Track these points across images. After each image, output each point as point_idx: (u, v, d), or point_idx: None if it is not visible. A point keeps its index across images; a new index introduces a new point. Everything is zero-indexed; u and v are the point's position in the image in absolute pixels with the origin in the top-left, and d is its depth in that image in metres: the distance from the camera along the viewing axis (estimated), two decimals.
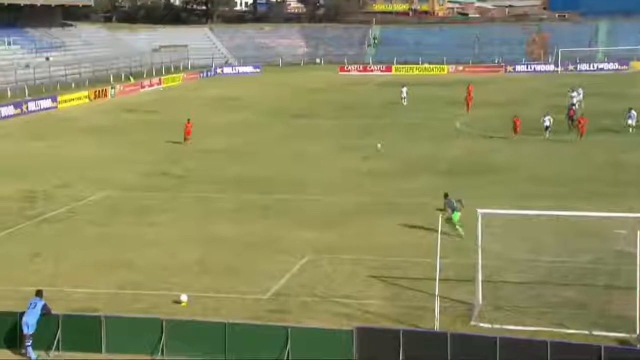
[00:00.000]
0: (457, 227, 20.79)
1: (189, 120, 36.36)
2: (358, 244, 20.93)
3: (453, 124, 42.24)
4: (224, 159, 34.05)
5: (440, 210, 21.61)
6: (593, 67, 72.12)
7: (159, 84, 63.99)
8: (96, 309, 16.16)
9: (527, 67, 73.35)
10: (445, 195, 22.01)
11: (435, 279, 15.45)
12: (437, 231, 16.14)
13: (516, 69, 73.22)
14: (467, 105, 45.50)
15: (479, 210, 16.11)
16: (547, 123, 36.57)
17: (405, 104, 49.43)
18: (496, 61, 76.15)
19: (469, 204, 24.42)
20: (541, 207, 22.53)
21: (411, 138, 38.13)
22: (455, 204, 21.36)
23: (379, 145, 31.74)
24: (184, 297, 16.48)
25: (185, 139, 35.70)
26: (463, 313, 15.91)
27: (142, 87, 61.60)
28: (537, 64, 73.92)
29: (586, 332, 14.77)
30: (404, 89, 50.15)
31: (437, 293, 15.21)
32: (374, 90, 59.97)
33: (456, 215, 21.15)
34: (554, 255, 18.61)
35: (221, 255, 20.06)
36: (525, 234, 19.30)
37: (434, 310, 15.20)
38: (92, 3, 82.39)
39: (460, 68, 73.82)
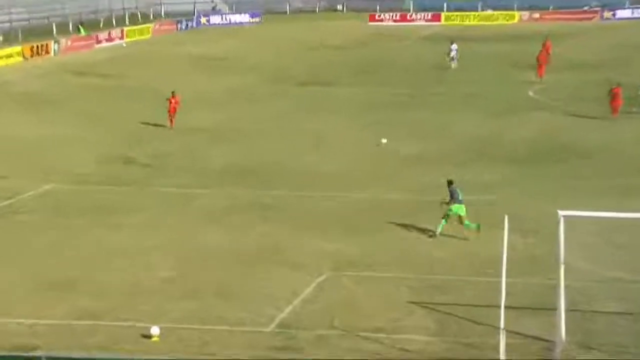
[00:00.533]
0: (467, 224, 21.79)
1: (174, 94, 35.52)
2: (392, 256, 21.04)
3: (524, 93, 42.17)
4: (209, 140, 34.31)
5: (445, 202, 22.04)
6: None
7: (121, 38, 64.27)
8: (36, 346, 16.17)
9: (632, 13, 71.80)
10: (450, 183, 22.42)
11: (500, 306, 15.46)
12: (501, 239, 16.10)
13: (616, 15, 71.71)
14: (541, 67, 45.06)
15: (560, 212, 15.96)
16: None
17: (454, 66, 49.26)
18: (589, 5, 75.00)
19: (545, 202, 24.59)
20: None
21: (465, 112, 38.30)
22: (460, 195, 21.96)
23: (383, 141, 31.50)
24: (155, 330, 16.55)
25: (170, 120, 35.21)
26: (538, 353, 15.90)
27: (98, 41, 61.90)
28: None
29: None
30: (454, 47, 49.95)
31: (502, 325, 15.15)
32: (415, 47, 59.98)
33: (461, 209, 21.80)
34: None
35: (207, 271, 20.19)
36: (625, 245, 19.23)
37: (497, 348, 15.18)
38: None
39: (537, 15, 72.34)
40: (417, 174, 28.70)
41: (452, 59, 49.59)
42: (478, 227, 21.98)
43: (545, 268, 19.61)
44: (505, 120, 36.44)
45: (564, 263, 15.96)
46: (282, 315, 17.63)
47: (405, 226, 23.18)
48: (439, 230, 21.95)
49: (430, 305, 17.97)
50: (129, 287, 19.21)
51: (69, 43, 58.62)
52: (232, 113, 39.00)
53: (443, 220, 21.97)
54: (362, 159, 31.01)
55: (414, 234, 22.62)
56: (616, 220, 17.90)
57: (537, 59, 45.68)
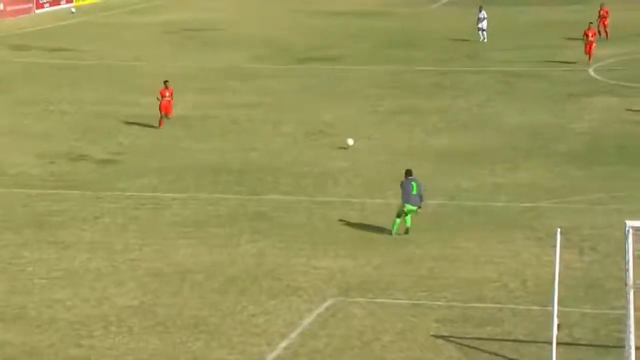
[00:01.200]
0: (397, 221, 23.54)
1: (166, 84, 34.26)
2: (416, 278, 21.12)
3: (583, 73, 42.24)
4: (186, 133, 34.44)
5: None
6: None
7: (69, 0, 64.44)
8: None
9: None
10: (408, 173, 24.04)
11: (552, 342, 15.52)
12: (553, 256, 16.15)
13: None
14: (590, 45, 43.24)
15: (629, 223, 16.12)
16: None
17: (482, 39, 49.03)
18: None
19: (610, 211, 24.62)
20: None
21: (508, 97, 38.42)
22: (415, 189, 23.48)
23: (349, 142, 31.44)
24: None
25: (164, 116, 33.89)
26: None
27: (39, 5, 62.09)
28: None
29: None
30: (482, 14, 49.45)
31: None
32: (442, 13, 60.00)
33: (408, 208, 23.47)
34: None
35: (179, 299, 20.29)
36: None
37: None
38: None
39: None
40: (452, 174, 28.82)
41: (481, 29, 49.28)
42: (407, 231, 23.50)
43: (609, 294, 19.69)
44: (560, 108, 36.56)
45: (635, 287, 16.00)
46: (276, 353, 17.74)
47: (433, 240, 23.26)
48: (395, 230, 23.38)
49: (463, 341, 18.03)
50: (77, 318, 19.32)
51: (2, 7, 58.55)
52: (215, 98, 39.12)
53: (397, 220, 23.50)
54: (381, 156, 31.11)
55: (445, 249, 22.71)
56: None
57: (585, 34, 43.97)
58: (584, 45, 43.52)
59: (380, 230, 24.04)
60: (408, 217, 23.65)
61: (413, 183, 23.67)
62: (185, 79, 42.40)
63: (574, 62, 43.86)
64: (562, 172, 28.85)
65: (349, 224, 24.67)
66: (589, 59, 43.04)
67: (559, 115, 35.49)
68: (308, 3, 63.56)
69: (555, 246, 16.03)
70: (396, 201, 25.81)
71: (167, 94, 33.75)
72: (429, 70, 43.68)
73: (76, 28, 56.54)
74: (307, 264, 21.99)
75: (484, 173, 28.98)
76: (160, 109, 33.71)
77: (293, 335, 18.41)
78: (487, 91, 39.45)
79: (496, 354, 17.49)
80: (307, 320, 19.06)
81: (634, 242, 15.95)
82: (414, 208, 23.62)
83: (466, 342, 17.97)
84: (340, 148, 31.85)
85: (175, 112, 35.24)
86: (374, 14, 60.61)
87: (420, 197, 23.71)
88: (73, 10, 61.92)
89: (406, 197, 23.54)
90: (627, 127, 33.71)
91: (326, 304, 19.78)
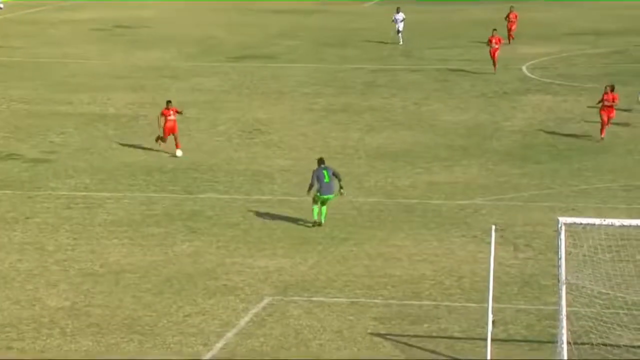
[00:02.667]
0: (315, 208, 23.98)
1: (169, 104, 30.65)
2: (353, 276, 21.19)
3: (516, 71, 42.82)
4: (117, 130, 34.14)
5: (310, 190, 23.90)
6: None
7: None
8: None
9: None
10: (319, 162, 24.40)
11: (487, 339, 15.70)
12: (488, 254, 16.36)
13: None
14: (495, 51, 41.93)
15: (561, 219, 16.35)
16: None
17: (400, 42, 48.70)
18: None
19: (543, 208, 25.03)
20: None
21: (443, 95, 38.73)
22: (327, 177, 23.76)
23: (178, 153, 29.94)
24: None
25: (161, 138, 30.40)
26: None
27: None
28: None
29: None
30: (400, 16, 48.83)
31: None
32: (376, 11, 60.32)
33: (324, 199, 23.92)
34: None
35: (113, 300, 20.14)
36: None
37: None
38: None
39: None
40: (388, 172, 28.99)
41: (398, 31, 48.66)
42: (319, 224, 23.87)
43: (543, 290, 20.00)
44: (495, 106, 37.00)
45: (567, 283, 16.25)
46: (212, 353, 17.68)
47: (370, 238, 23.37)
48: (315, 218, 23.96)
49: (400, 339, 18.14)
50: (7, 320, 19.03)
51: None
52: (146, 97, 38.82)
53: (315, 207, 23.95)
54: (317, 154, 31.01)
55: (382, 247, 22.84)
56: (635, 231, 18.36)
57: (489, 40, 42.05)
58: (488, 52, 42.06)
59: (316, 228, 24.09)
60: (324, 208, 23.98)
61: (324, 171, 24.01)
62: (116, 77, 42.04)
63: (510, 58, 44.49)
64: (496, 170, 29.21)
65: (285, 222, 24.68)
66: (494, 66, 41.57)
67: (493, 114, 35.92)
68: (242, 1, 63.40)
69: (490, 243, 16.22)
70: (334, 199, 25.90)
71: (171, 112, 30.27)
72: (364, 69, 43.90)
73: (3, 24, 55.68)
74: (244, 263, 21.95)
75: (420, 171, 29.21)
76: (164, 131, 30.17)
77: (230, 335, 18.37)
78: (422, 89, 39.76)
79: (432, 351, 17.62)
80: (244, 319, 19.04)
81: (566, 238, 16.22)
82: (329, 197, 23.97)
83: (403, 339, 18.08)
84: (276, 147, 31.86)
85: (105, 110, 34.82)
86: (309, 11, 60.74)
87: (338, 178, 24.13)
88: (1, 6, 60.95)
89: (321, 186, 23.91)
90: (559, 125, 34.25)
91: (263, 304, 19.78)
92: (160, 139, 30.61)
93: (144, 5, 61.50)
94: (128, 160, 30.34)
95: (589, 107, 33.09)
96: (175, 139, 30.54)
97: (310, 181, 24.25)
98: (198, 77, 42.69)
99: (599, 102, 31.65)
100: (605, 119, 31.36)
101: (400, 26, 48.77)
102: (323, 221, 24.00)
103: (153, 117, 35.74)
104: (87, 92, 38.46)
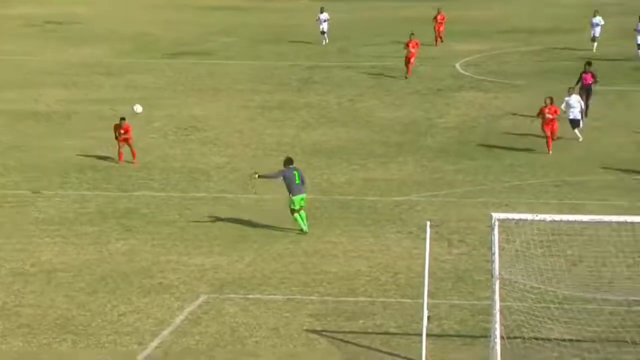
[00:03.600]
0: (297, 217, 23.23)
1: (122, 121, 29.64)
2: (290, 274, 21.22)
3: (449, 68, 43.24)
4: (49, 128, 33.72)
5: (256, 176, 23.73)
6: None
7: None
8: None
9: None
10: (287, 163, 23.70)
11: (422, 334, 15.84)
12: (423, 249, 16.50)
13: None
14: (411, 52, 41.06)
15: (495, 215, 16.56)
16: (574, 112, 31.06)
17: (324, 43, 48.09)
18: None
19: (477, 204, 25.32)
20: (612, 209, 23.41)
21: (378, 93, 38.89)
22: (297, 178, 23.09)
23: (137, 109, 30.14)
24: None
25: (119, 152, 29.35)
26: None
27: None
28: None
29: None
30: (324, 16, 48.16)
31: (423, 358, 15.52)
32: (311, 8, 60.34)
33: (302, 199, 23.12)
34: (630, 292, 19.12)
35: (46, 299, 19.90)
36: (576, 256, 19.93)
37: None
38: None
39: None
40: (324, 169, 29.07)
41: (323, 32, 48.06)
42: (303, 230, 23.16)
43: (477, 285, 20.24)
44: (429, 103, 37.29)
45: (500, 278, 16.45)
46: (147, 352, 17.56)
47: (307, 235, 23.39)
48: (302, 227, 23.24)
49: (336, 335, 18.20)
50: None
51: None
52: (79, 93, 38.40)
53: (296, 216, 23.18)
54: (254, 151, 31.14)
55: (318, 244, 22.90)
56: (566, 226, 18.68)
57: (406, 45, 41.01)
58: (404, 56, 41.18)
59: (253, 225, 24.07)
60: (303, 213, 23.15)
61: (295, 172, 23.32)
62: (47, 74, 41.55)
63: (443, 55, 44.95)
64: (431, 167, 29.46)
65: (221, 220, 24.61)
66: (407, 71, 40.71)
67: (428, 110, 36.20)
68: None
69: (425, 239, 16.36)
70: (270, 196, 25.92)
71: (123, 131, 29.42)
72: (300, 65, 43.92)
73: None
74: (179, 261, 21.85)
75: (355, 168, 29.33)
76: (120, 141, 29.47)
77: (165, 333, 18.28)
78: (357, 86, 39.91)
79: (368, 347, 17.71)
80: (179, 317, 18.96)
81: (499, 234, 16.43)
82: (302, 196, 23.11)
83: (339, 335, 18.15)
84: (212, 144, 31.74)
85: (35, 107, 34.30)
86: (246, 9, 60.60)
87: (304, 183, 23.40)
88: None
89: (292, 188, 23.06)
90: (491, 122, 34.65)
91: (198, 301, 19.71)
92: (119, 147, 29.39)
93: (76, 1, 60.78)
94: (60, 158, 29.99)
95: (532, 121, 32.21)
96: (120, 149, 29.45)
97: (271, 173, 23.92)
98: (132, 73, 42.34)
99: (539, 114, 30.53)
100: (549, 133, 30.05)
101: (324, 26, 48.37)
102: (305, 228, 23.15)
103: (85, 114, 35.45)
104: (18, 89, 37.88)
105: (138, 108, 30.14)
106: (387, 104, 37.07)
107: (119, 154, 29.50)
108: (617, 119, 34.60)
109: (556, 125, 30.54)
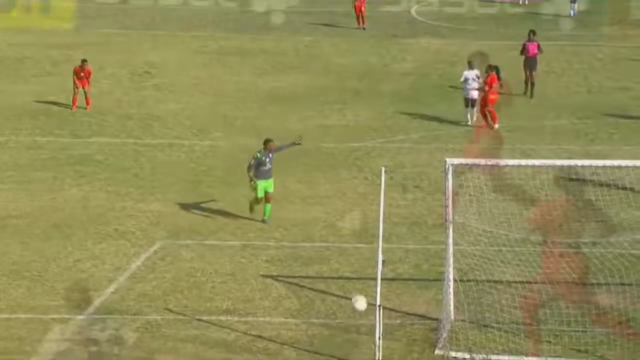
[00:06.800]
0: (267, 209, 20.77)
1: (84, 63, 29.17)
2: (245, 221, 21.22)
3: (405, 14, 43.13)
4: (2, 73, 33.35)
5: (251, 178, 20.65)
6: None
7: None
8: None
9: None
10: (266, 143, 21.02)
11: (377, 278, 16.00)
12: (378, 195, 16.59)
13: None
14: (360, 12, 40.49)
15: (449, 160, 16.67)
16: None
17: None
18: None
19: (432, 150, 25.47)
20: (565, 153, 23.75)
21: (333, 38, 38.70)
22: (267, 161, 20.66)
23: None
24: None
25: (74, 99, 28.80)
26: (423, 335, 16.45)
27: None
28: None
29: None
30: None
31: (378, 302, 15.65)
32: None
33: (269, 185, 20.70)
34: (578, 235, 19.23)
35: (0, 245, 19.77)
36: (531, 200, 20.17)
37: (372, 331, 15.55)
38: None
39: None
40: (280, 115, 29.00)
41: None
42: (264, 220, 20.84)
43: (431, 230, 20.45)
44: (385, 49, 37.24)
45: (454, 222, 16.63)
46: (103, 298, 17.58)
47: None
48: (267, 218, 20.96)
49: (292, 280, 18.31)
50: None
51: None
52: (31, 38, 37.80)
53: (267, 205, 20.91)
54: (209, 97, 30.96)
55: (276, 190, 22.77)
56: (517, 170, 18.87)
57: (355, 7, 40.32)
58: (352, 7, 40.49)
59: (208, 172, 24.01)
60: (268, 206, 20.92)
61: (266, 158, 20.88)
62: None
63: (394, 3, 44.84)
64: (386, 113, 29.52)
65: (177, 166, 24.53)
66: (361, 22, 40.04)
67: (383, 56, 36.18)
68: None
69: (380, 185, 16.44)
70: (224, 143, 25.84)
71: (83, 74, 28.95)
72: (256, 11, 43.54)
73: None
74: (135, 207, 21.79)
75: (312, 114, 29.31)
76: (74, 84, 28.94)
77: (121, 279, 18.29)
78: (313, 32, 39.72)
79: (323, 292, 17.86)
80: (136, 264, 18.97)
81: (453, 179, 16.57)
82: (270, 182, 20.92)
83: (294, 280, 18.28)
84: (167, 90, 31.50)
85: None
86: None
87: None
88: None
89: (259, 173, 20.76)
90: (446, 67, 34.72)
91: (154, 247, 19.72)
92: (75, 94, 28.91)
93: None
94: (12, 104, 29.62)
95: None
96: (76, 95, 29.04)
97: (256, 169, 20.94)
98: (85, 18, 41.74)
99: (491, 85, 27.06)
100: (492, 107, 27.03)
101: None
102: (267, 216, 20.77)
103: (38, 58, 34.94)
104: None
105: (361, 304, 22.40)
106: (343, 50, 36.97)
107: (74, 100, 29.13)
108: (568, 66, 34.87)
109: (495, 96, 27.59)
